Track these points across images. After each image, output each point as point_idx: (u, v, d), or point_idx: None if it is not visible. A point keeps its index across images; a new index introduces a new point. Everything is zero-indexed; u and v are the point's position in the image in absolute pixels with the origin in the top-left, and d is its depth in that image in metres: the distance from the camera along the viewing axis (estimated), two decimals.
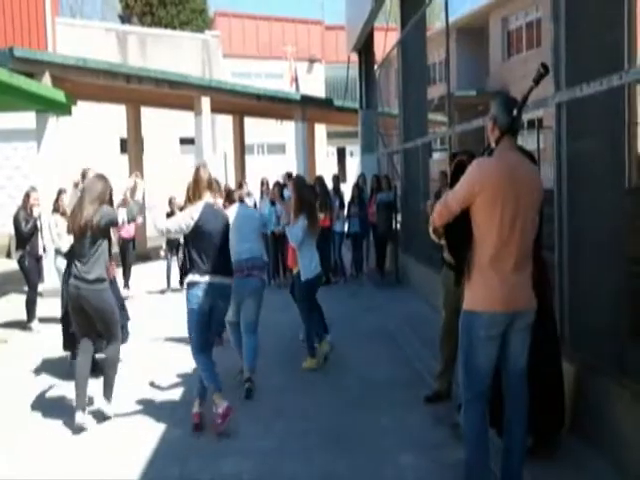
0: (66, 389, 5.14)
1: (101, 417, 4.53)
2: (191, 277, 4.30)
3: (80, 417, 4.35)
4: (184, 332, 6.85)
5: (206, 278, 4.26)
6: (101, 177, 4.68)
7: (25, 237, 7.59)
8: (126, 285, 9.66)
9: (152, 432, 4.35)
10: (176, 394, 5.13)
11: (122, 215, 4.59)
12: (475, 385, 3.09)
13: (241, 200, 5.51)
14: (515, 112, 2.99)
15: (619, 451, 3.49)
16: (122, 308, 5.74)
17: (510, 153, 3.05)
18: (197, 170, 4.51)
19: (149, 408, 4.81)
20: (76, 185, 6.51)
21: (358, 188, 10.69)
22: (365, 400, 4.86)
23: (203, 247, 4.30)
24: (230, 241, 4.60)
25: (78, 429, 4.33)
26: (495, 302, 2.98)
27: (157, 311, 8.47)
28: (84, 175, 6.05)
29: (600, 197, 4.20)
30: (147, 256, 13.59)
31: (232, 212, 5.12)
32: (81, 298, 4.44)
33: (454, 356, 4.28)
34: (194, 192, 4.43)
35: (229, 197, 5.48)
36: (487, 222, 2.97)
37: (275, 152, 26.54)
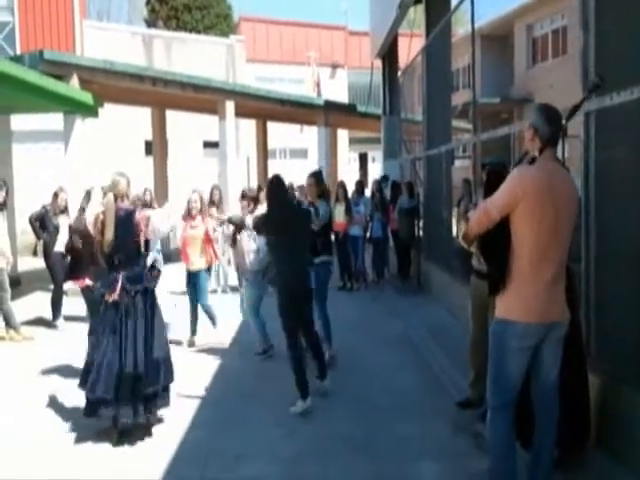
0: None
1: (324, 394, 5.02)
2: (326, 257, 6.08)
3: (308, 402, 4.76)
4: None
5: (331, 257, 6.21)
6: None
7: (53, 235, 7.75)
8: None
9: (173, 433, 4.38)
10: (198, 395, 5.15)
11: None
12: (503, 394, 3.06)
13: None
14: (564, 122, 2.99)
15: None
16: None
17: (550, 163, 3.02)
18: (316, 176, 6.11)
19: (170, 408, 4.85)
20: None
21: (380, 193, 10.68)
22: (388, 407, 4.85)
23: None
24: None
25: (305, 412, 4.69)
26: (531, 313, 2.95)
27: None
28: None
29: (628, 207, 4.15)
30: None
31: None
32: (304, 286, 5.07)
33: (485, 366, 4.26)
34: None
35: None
36: (526, 232, 2.94)
37: (297, 157, 26.59)
